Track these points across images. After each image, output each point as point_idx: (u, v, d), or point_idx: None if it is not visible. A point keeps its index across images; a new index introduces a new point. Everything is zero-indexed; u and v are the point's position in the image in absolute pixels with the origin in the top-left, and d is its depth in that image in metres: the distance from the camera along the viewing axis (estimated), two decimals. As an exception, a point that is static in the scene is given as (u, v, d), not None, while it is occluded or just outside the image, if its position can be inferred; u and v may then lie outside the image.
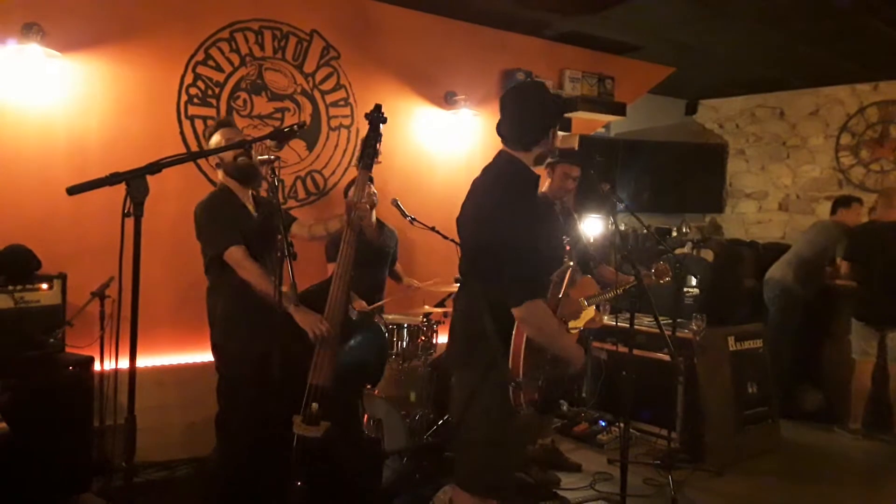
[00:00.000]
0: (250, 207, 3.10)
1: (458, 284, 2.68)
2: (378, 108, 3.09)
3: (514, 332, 2.39)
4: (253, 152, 3.01)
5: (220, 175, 3.10)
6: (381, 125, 3.06)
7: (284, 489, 2.74)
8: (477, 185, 2.55)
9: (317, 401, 2.80)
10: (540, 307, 2.36)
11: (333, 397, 2.86)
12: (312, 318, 2.86)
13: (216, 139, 3.07)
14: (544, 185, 3.96)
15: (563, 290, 2.70)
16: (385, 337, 3.50)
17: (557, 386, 2.66)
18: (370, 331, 3.29)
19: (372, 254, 4.18)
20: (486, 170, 2.56)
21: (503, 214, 2.38)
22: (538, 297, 2.36)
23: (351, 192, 3.14)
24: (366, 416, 3.53)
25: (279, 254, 2.66)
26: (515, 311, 2.32)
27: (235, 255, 2.90)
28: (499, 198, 2.42)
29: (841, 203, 5.78)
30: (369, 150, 3.03)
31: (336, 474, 2.91)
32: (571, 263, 2.85)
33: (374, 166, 3.08)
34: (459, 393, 2.58)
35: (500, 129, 2.52)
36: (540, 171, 2.63)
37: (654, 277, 3.77)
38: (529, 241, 2.36)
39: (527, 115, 2.47)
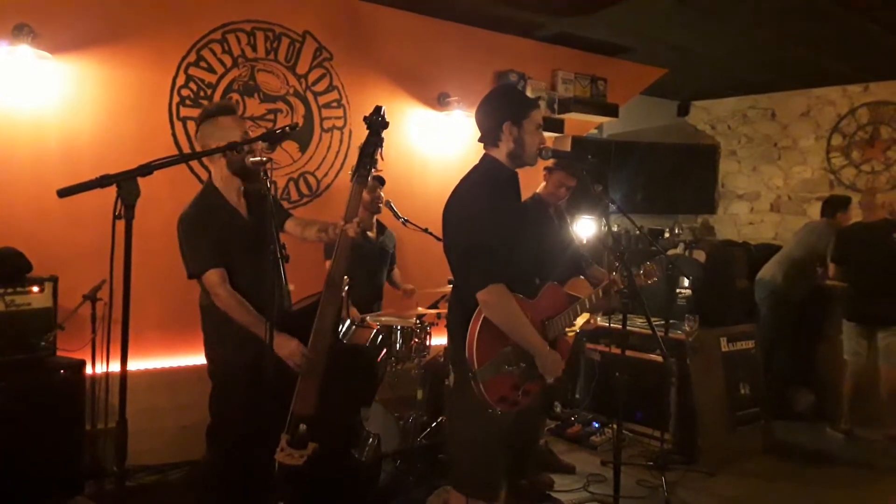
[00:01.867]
0: (240, 207, 2.86)
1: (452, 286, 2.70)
2: (378, 110, 2.80)
3: (471, 321, 2.41)
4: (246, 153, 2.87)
5: (220, 167, 2.81)
6: (381, 130, 2.77)
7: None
8: (457, 185, 2.61)
9: (305, 422, 2.69)
10: (504, 292, 2.37)
11: (322, 420, 2.73)
12: (291, 347, 2.69)
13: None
14: (539, 187, 3.97)
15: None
16: (377, 361, 3.34)
17: (539, 388, 2.65)
18: (361, 357, 3.06)
19: (371, 256, 4.17)
20: (461, 188, 2.62)
21: (473, 206, 2.46)
22: (503, 283, 2.37)
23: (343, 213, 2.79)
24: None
25: (272, 257, 2.58)
26: (479, 295, 2.36)
27: (211, 279, 2.69)
28: (470, 192, 2.52)
29: (839, 206, 5.76)
30: (366, 159, 2.75)
31: (320, 498, 2.81)
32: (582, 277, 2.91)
33: (377, 173, 2.82)
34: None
35: (482, 132, 2.62)
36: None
37: (642, 277, 3.77)
38: (499, 232, 2.42)
39: (484, 112, 2.59)
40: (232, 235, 2.76)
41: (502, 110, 2.55)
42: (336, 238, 2.74)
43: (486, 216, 2.42)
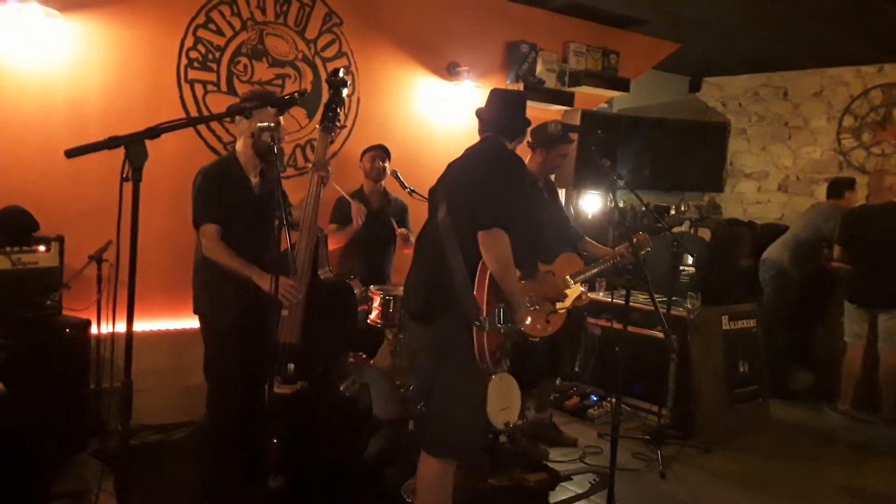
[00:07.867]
0: (253, 178, 3.10)
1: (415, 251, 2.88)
2: (335, 71, 3.25)
3: (479, 267, 2.52)
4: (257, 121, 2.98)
5: (246, 145, 3.06)
6: (342, 88, 3.20)
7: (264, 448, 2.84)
8: (467, 162, 2.74)
9: (292, 361, 2.91)
10: (504, 237, 2.47)
11: (308, 357, 2.94)
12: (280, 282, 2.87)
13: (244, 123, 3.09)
14: (528, 163, 3.96)
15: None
16: (355, 297, 3.47)
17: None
18: (338, 291, 3.34)
19: (378, 228, 4.15)
20: (476, 151, 2.77)
21: (503, 166, 2.63)
22: (506, 232, 2.48)
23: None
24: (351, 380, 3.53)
25: (278, 222, 2.67)
26: (481, 234, 2.45)
27: (206, 232, 2.95)
28: (504, 155, 2.70)
29: (845, 187, 5.73)
30: (329, 113, 3.19)
31: (311, 432, 2.98)
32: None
33: (344, 130, 3.29)
34: (431, 350, 2.72)
35: (495, 121, 2.80)
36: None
37: (632, 248, 3.72)
38: (515, 200, 2.58)
39: (519, 117, 2.87)
40: (237, 203, 3.00)
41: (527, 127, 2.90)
42: (310, 183, 3.10)
43: (513, 178, 2.60)
